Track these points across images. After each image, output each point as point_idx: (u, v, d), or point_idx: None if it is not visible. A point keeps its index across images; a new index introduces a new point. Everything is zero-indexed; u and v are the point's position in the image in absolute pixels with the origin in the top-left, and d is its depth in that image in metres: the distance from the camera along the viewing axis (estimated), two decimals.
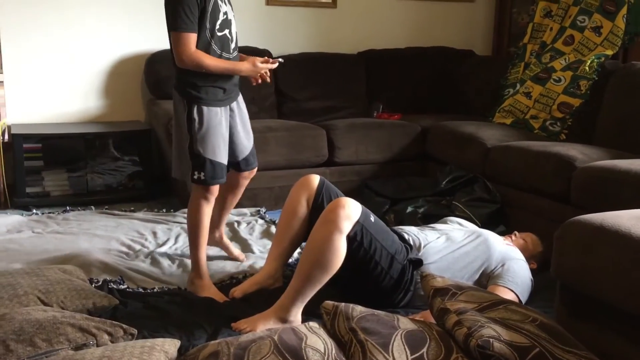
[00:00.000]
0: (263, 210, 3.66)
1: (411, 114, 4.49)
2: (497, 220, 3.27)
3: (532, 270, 2.48)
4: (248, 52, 4.54)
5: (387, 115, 4.40)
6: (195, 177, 2.40)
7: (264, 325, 2.04)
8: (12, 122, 4.04)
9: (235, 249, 2.92)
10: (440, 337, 1.65)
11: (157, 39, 4.09)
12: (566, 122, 3.73)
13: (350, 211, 2.10)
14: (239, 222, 3.41)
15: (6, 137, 3.83)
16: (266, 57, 2.47)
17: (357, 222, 2.11)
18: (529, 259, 2.53)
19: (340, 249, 2.06)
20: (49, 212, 3.63)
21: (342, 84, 4.53)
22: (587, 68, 3.75)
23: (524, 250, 2.57)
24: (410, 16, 5.00)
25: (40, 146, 3.91)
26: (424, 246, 2.39)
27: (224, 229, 2.89)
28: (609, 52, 3.81)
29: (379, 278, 2.22)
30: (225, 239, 2.90)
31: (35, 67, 4.08)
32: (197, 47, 2.29)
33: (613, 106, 3.47)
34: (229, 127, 2.48)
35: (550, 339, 1.59)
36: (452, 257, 2.37)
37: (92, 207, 3.76)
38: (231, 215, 3.55)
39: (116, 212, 3.64)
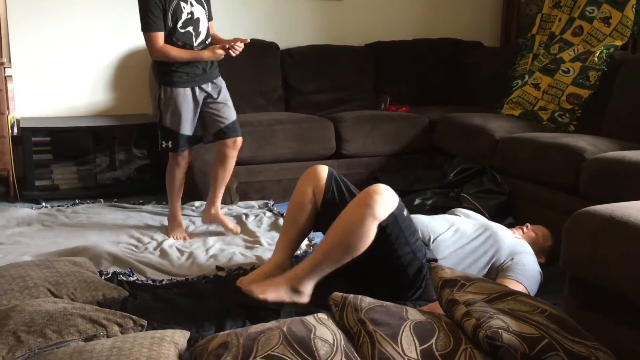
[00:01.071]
0: (271, 202, 3.66)
1: (419, 106, 4.48)
2: (505, 211, 3.27)
3: (540, 264, 2.48)
4: (255, 44, 4.56)
5: (394, 107, 4.39)
6: (164, 145, 3.00)
7: (274, 292, 2.07)
8: (21, 115, 4.06)
9: (231, 222, 3.20)
10: (449, 328, 1.65)
11: None
12: (575, 113, 3.72)
13: (389, 199, 2.09)
14: (247, 215, 3.42)
15: (15, 130, 3.85)
16: (230, 42, 2.86)
17: (392, 213, 2.09)
18: (537, 252, 2.52)
19: (370, 234, 2.05)
20: (58, 205, 3.65)
21: (350, 77, 4.52)
22: (596, 59, 3.72)
23: (533, 243, 2.55)
24: (417, 8, 4.98)
25: (49, 139, 3.93)
26: (434, 240, 2.37)
27: (219, 205, 3.18)
28: (618, 43, 3.79)
29: (397, 273, 2.21)
30: (221, 215, 3.18)
31: (44, 61, 4.10)
32: (166, 41, 2.84)
33: (622, 97, 3.45)
34: (199, 104, 2.96)
35: (559, 330, 1.59)
36: (462, 253, 2.36)
37: (101, 200, 3.77)
38: (239, 207, 3.56)
39: (125, 205, 3.65)
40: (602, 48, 3.76)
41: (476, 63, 4.68)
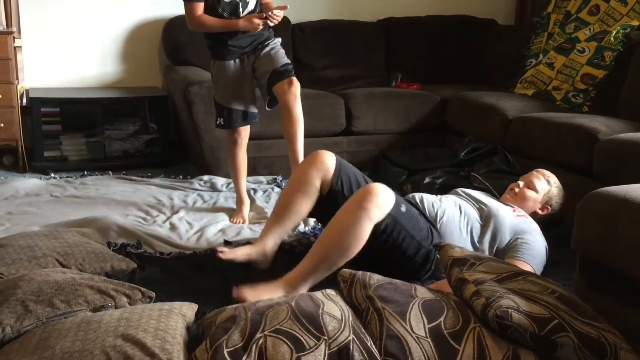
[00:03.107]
0: (279, 178, 3.65)
1: (430, 84, 4.43)
2: None
3: (545, 217, 2.44)
4: None
5: (406, 85, 4.35)
6: (217, 122, 2.89)
7: (269, 297, 1.95)
8: (30, 86, 4.05)
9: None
10: (458, 306, 1.64)
11: (175, 5, 4.03)
12: (589, 93, 3.67)
13: (384, 200, 2.06)
14: (255, 190, 3.41)
15: (24, 101, 3.84)
16: (267, 13, 2.67)
17: (389, 214, 2.07)
18: (543, 205, 2.48)
19: (365, 236, 2.03)
20: (67, 177, 3.65)
21: (361, 53, 4.48)
22: (612, 39, 3.66)
23: (533, 202, 2.49)
24: None
25: (58, 110, 3.92)
26: (441, 219, 2.33)
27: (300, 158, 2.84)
28: (635, 23, 3.72)
29: (405, 264, 2.20)
30: None
31: (53, 32, 4.07)
32: (205, 11, 2.70)
33: (638, 78, 3.40)
34: (248, 73, 2.83)
35: (569, 311, 1.58)
36: (466, 235, 2.33)
37: (110, 172, 3.77)
38: (247, 182, 3.54)
39: (134, 177, 3.65)
40: (619, 28, 3.70)
41: (490, 41, 4.62)
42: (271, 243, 2.29)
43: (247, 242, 2.61)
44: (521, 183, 2.56)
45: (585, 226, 1.81)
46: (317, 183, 2.30)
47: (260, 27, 2.70)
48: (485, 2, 5.04)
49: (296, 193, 2.31)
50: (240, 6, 2.73)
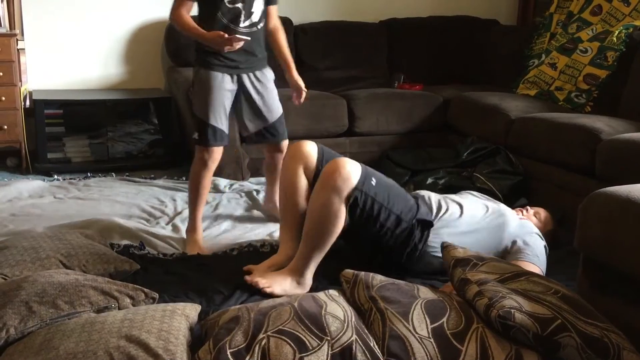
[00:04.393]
0: None
1: (433, 84, 4.42)
2: (519, 192, 3.24)
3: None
4: None
5: (408, 85, 4.35)
6: (194, 135, 2.55)
7: (279, 286, 2.10)
8: (34, 88, 4.06)
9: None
10: (461, 307, 1.65)
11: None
12: (592, 93, 3.66)
13: (348, 173, 2.07)
14: (258, 191, 3.41)
15: (28, 102, 3.85)
16: (234, 36, 2.37)
17: (356, 187, 2.08)
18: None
19: (340, 213, 2.07)
20: (70, 178, 3.66)
21: (364, 54, 4.48)
22: (614, 39, 3.66)
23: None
24: None
25: (62, 112, 3.93)
26: (442, 215, 2.32)
27: (276, 199, 2.80)
28: (638, 23, 3.71)
29: (385, 237, 2.20)
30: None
31: (56, 34, 4.08)
32: (204, 15, 2.46)
33: None
34: (234, 95, 2.55)
35: (572, 311, 1.58)
36: (472, 236, 2.31)
37: (113, 173, 3.78)
38: (250, 184, 3.56)
39: (137, 179, 3.66)
40: (621, 28, 3.70)
41: (492, 41, 4.62)
42: (292, 245, 2.30)
43: (249, 245, 2.61)
44: (530, 209, 2.62)
45: (587, 226, 1.81)
46: (301, 174, 2.31)
47: (224, 50, 2.41)
48: (488, 2, 5.04)
49: (290, 191, 2.32)
50: (242, 16, 2.47)
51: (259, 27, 2.53)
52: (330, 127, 3.81)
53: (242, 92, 2.58)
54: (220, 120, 2.52)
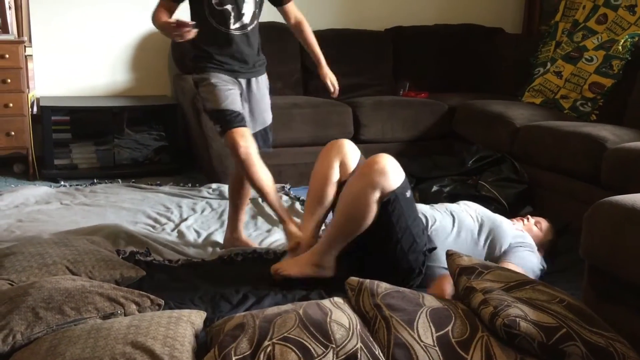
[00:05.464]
0: (288, 186, 3.66)
1: (438, 92, 4.43)
2: (524, 200, 3.24)
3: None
4: (274, 27, 4.49)
5: (413, 93, 4.36)
6: (218, 130, 2.38)
7: (298, 268, 2.15)
8: (41, 94, 4.08)
9: (255, 242, 2.76)
10: (466, 315, 1.64)
11: (184, 14, 4.08)
12: (597, 102, 3.67)
13: (386, 168, 2.07)
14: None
15: (35, 109, 3.87)
16: (182, 22, 2.22)
17: (394, 191, 2.08)
18: (537, 246, 2.47)
19: (372, 206, 2.08)
20: (77, 185, 3.68)
21: (369, 61, 4.49)
22: (620, 47, 3.66)
23: (534, 237, 2.49)
24: None
25: (69, 119, 3.95)
26: (432, 225, 2.32)
27: (242, 228, 2.74)
28: None
29: (395, 256, 2.18)
30: (244, 238, 2.74)
31: (64, 40, 4.11)
32: (194, 18, 2.38)
33: None
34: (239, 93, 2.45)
35: (578, 320, 1.58)
36: (461, 242, 2.30)
37: (119, 180, 3.79)
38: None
39: (143, 185, 3.67)
40: (627, 37, 3.70)
41: (497, 50, 4.62)
42: (311, 229, 2.31)
43: (254, 251, 2.61)
44: (531, 219, 2.60)
45: (593, 235, 1.81)
46: (336, 167, 2.33)
47: (176, 39, 2.28)
48: (493, 11, 5.05)
49: (322, 182, 2.33)
50: (232, 18, 2.40)
51: (249, 28, 2.45)
52: (336, 134, 3.80)
53: (241, 94, 2.49)
54: (234, 104, 2.38)
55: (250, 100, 2.52)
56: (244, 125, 2.38)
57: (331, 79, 2.76)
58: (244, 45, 2.45)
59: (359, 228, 2.12)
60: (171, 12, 2.41)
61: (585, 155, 2.96)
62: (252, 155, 2.33)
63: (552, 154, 3.17)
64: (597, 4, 4.02)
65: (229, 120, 2.34)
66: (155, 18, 2.37)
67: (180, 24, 2.20)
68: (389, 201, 2.09)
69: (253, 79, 2.52)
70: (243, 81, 2.49)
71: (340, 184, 2.32)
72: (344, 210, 2.13)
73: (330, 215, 2.38)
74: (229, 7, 2.38)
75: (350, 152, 2.37)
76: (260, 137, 2.57)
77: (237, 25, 2.42)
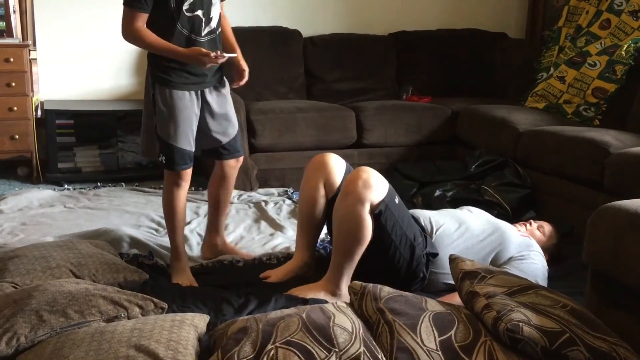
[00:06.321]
0: (291, 190, 3.66)
1: (441, 97, 4.44)
2: (527, 205, 3.24)
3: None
4: (278, 31, 4.51)
5: (416, 97, 4.36)
6: (160, 159, 2.32)
7: (313, 296, 2.11)
8: (45, 98, 4.10)
9: (242, 250, 2.72)
10: (469, 320, 1.65)
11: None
12: (600, 107, 3.67)
13: (373, 184, 2.07)
14: (266, 202, 3.42)
15: (39, 112, 3.89)
16: (216, 53, 2.19)
17: (383, 201, 2.08)
18: (542, 250, 2.48)
19: (366, 221, 2.07)
20: (81, 188, 3.69)
21: (372, 66, 4.50)
22: (623, 52, 3.67)
23: (537, 241, 2.49)
24: None
25: (73, 122, 3.96)
26: (436, 231, 2.33)
27: (224, 233, 2.71)
28: None
29: (397, 265, 2.19)
30: (229, 244, 2.70)
31: (68, 44, 4.12)
32: (160, 28, 2.19)
33: None
34: (199, 113, 2.34)
35: (581, 325, 1.58)
36: (465, 248, 2.30)
37: (123, 183, 3.80)
38: (258, 194, 3.56)
39: (146, 189, 3.68)
40: (630, 42, 3.70)
41: (501, 55, 4.63)
42: (307, 253, 2.37)
43: (269, 257, 2.62)
44: (533, 223, 2.60)
45: (596, 240, 1.81)
46: (320, 187, 2.34)
47: (207, 67, 2.23)
48: (496, 15, 5.06)
49: (308, 204, 2.36)
50: (203, 23, 2.25)
51: (217, 32, 2.33)
52: (339, 139, 3.83)
53: (205, 108, 2.37)
54: (188, 141, 2.30)
55: (221, 104, 2.42)
56: (189, 167, 2.34)
57: (245, 69, 2.43)
58: (212, 50, 2.24)
59: (360, 245, 2.10)
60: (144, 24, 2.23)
61: (588, 160, 2.96)
62: (183, 195, 2.37)
63: (555, 158, 3.17)
64: (600, 9, 4.03)
65: (176, 162, 2.30)
66: (145, 36, 2.19)
67: (219, 56, 2.17)
68: (380, 213, 2.09)
69: (215, 91, 2.39)
70: (208, 91, 2.36)
71: (330, 200, 2.33)
72: (341, 231, 2.12)
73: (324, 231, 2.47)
74: (199, 12, 2.24)
75: (335, 167, 2.35)
76: (237, 143, 2.51)
77: (207, 30, 2.28)
